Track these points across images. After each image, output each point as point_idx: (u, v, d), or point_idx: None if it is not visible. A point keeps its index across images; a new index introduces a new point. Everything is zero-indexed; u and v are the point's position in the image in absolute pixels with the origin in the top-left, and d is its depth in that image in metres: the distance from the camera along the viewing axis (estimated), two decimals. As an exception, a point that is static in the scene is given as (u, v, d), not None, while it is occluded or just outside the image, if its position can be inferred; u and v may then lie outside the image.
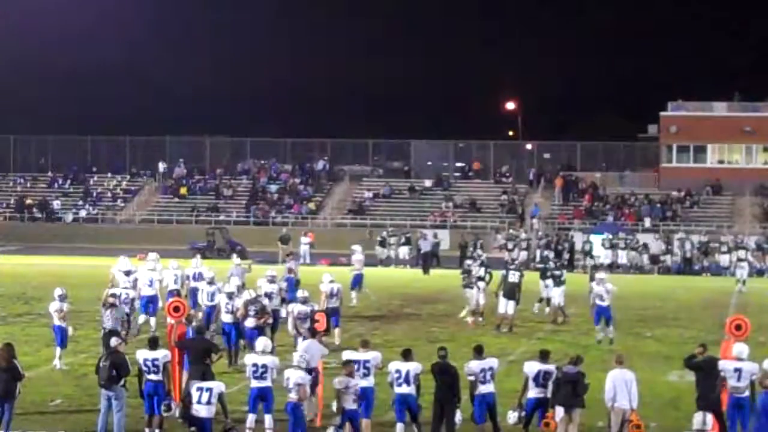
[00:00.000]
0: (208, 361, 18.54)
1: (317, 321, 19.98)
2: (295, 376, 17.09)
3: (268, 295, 25.57)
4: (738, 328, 19.14)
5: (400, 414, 17.48)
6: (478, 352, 17.90)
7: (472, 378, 17.54)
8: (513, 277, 30.27)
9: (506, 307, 29.80)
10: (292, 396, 17.07)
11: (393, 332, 29.25)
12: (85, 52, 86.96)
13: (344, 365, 17.17)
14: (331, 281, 27.56)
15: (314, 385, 18.46)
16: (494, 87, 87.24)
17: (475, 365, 17.63)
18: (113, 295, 23.03)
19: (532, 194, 66.36)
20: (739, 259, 45.47)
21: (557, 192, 65.90)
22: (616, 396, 17.10)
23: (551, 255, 44.11)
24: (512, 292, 29.99)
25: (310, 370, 18.46)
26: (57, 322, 23.71)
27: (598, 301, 28.44)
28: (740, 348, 17.85)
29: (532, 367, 17.55)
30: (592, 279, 32.91)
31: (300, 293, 24.05)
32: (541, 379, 17.39)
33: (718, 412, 17.42)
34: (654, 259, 50.65)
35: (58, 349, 23.70)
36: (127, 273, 27.45)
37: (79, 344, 25.82)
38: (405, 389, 17.42)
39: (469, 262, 33.56)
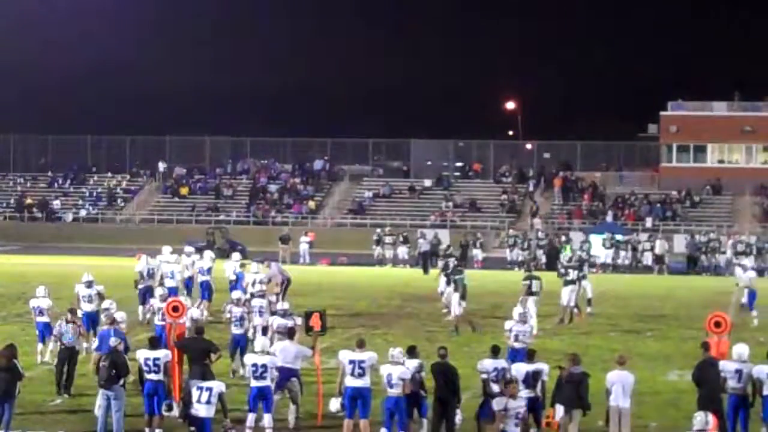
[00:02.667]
0: (207, 361, 18.55)
1: (313, 322, 19.79)
2: (397, 372, 17.05)
3: (260, 312, 24.26)
4: (717, 325, 19.10)
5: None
6: (494, 352, 17.94)
7: (484, 376, 17.55)
8: (459, 278, 30.44)
9: (461, 307, 29.86)
10: (394, 391, 17.03)
11: (393, 332, 29.23)
12: (86, 52, 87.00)
13: (506, 385, 16.12)
14: (256, 272, 28.76)
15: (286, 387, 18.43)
16: (494, 87, 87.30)
17: (489, 363, 17.65)
18: (72, 311, 22.52)
19: (532, 194, 66.38)
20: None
21: (557, 192, 65.91)
22: (612, 396, 17.12)
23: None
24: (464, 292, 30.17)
25: (293, 371, 18.50)
26: (40, 318, 23.82)
27: (513, 342, 21.57)
28: (741, 349, 17.83)
29: (519, 369, 17.56)
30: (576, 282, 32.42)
31: (280, 305, 23.21)
32: (530, 380, 17.40)
33: (719, 412, 17.41)
34: (659, 259, 50.65)
35: (40, 345, 23.84)
36: (88, 285, 25.50)
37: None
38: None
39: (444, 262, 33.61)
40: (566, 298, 31.33)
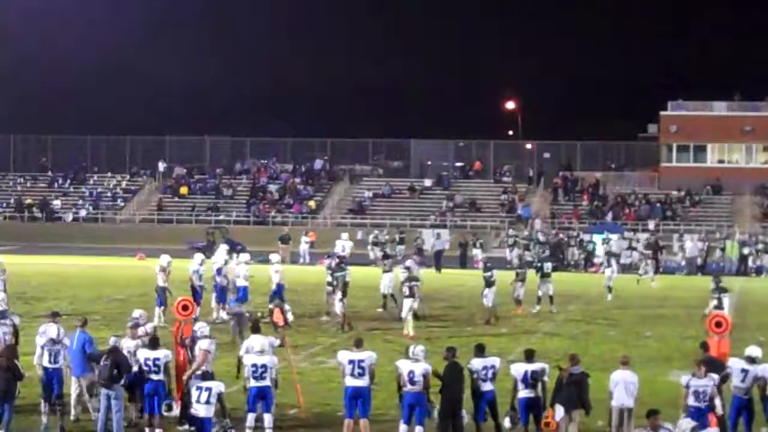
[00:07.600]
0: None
1: (275, 319, 19.63)
2: (419, 368, 17.17)
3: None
4: (717, 325, 19.09)
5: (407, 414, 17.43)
6: (480, 351, 17.91)
7: (475, 375, 17.55)
8: (339, 276, 30.50)
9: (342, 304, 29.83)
10: (416, 387, 17.10)
11: (393, 332, 29.22)
12: (86, 52, 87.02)
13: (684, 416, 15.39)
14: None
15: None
16: (494, 87, 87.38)
17: (477, 363, 17.64)
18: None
19: (532, 194, 66.37)
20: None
21: (557, 192, 65.87)
22: (615, 396, 17.11)
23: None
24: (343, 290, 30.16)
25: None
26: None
27: (692, 401, 17.03)
28: (752, 350, 17.85)
29: (518, 369, 17.56)
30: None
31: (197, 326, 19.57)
32: (529, 379, 17.39)
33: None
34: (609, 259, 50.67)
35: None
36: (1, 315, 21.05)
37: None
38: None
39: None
40: (488, 299, 31.41)
